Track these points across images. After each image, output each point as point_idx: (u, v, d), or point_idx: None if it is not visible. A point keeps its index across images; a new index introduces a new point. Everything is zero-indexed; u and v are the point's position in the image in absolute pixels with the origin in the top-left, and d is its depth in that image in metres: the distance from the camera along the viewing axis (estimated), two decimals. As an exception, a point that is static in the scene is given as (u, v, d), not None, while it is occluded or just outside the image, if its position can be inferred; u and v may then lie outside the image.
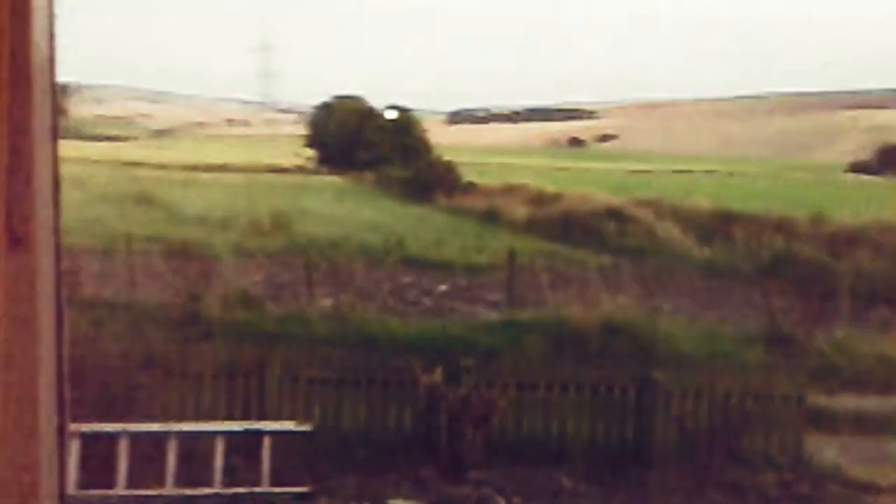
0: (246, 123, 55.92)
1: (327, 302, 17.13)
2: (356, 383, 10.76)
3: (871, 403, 12.65)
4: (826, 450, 10.49)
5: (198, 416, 10.18)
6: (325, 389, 10.81)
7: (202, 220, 24.28)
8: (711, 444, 9.51)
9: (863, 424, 11.91)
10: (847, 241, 24.14)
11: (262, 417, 10.31)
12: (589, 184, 38.80)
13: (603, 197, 31.15)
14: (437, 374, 9.61)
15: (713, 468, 9.40)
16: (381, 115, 45.27)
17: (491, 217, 29.72)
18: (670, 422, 9.92)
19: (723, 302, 18.01)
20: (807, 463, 9.97)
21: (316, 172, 43.32)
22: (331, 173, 40.98)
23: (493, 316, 16.53)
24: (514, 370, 10.75)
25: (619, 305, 15.87)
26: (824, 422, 11.11)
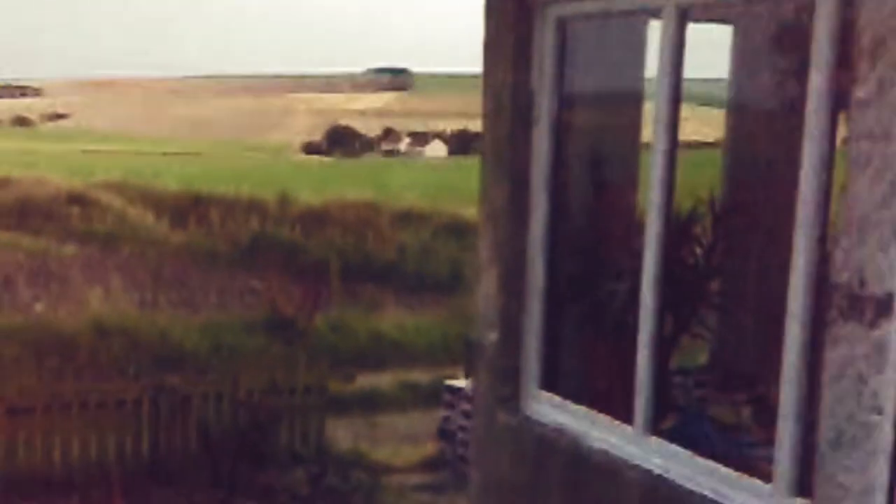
0: None
1: None
2: None
3: (372, 381, 12.91)
4: (344, 436, 10.39)
5: None
6: None
7: None
8: (238, 447, 8.85)
9: (369, 404, 12.08)
10: (315, 220, 24.84)
11: None
12: (42, 166, 35.89)
13: (61, 180, 29.02)
14: None
15: (241, 473, 8.76)
16: None
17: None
18: (191, 429, 9.05)
19: (216, 289, 17.38)
20: (330, 453, 9.75)
21: None
22: None
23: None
24: (1, 391, 9.07)
25: (107, 302, 14.49)
26: (338, 406, 11.01)
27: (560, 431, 4.18)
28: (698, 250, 4.29)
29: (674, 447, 3.69)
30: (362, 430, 10.80)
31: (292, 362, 10.57)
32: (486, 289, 4.66)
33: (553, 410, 4.32)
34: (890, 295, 2.63)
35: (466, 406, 9.25)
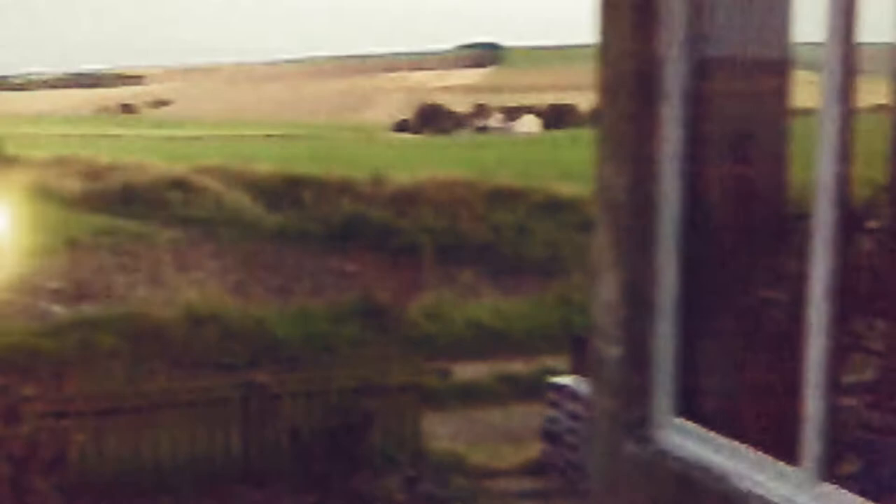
0: None
1: None
2: None
3: (469, 372, 12.31)
4: (441, 434, 9.80)
5: None
6: None
7: None
8: (330, 449, 8.34)
9: (467, 397, 11.49)
10: (408, 200, 24.38)
11: None
12: (146, 152, 36.70)
13: (164, 166, 29.57)
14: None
15: (333, 477, 8.26)
16: None
17: (40, 193, 26.65)
18: (281, 430, 8.58)
19: (309, 272, 17.06)
20: (426, 456, 9.17)
21: None
22: None
23: (58, 311, 14.15)
24: (91, 390, 8.74)
25: (201, 289, 14.24)
26: (432, 399, 10.43)
27: (705, 469, 3.47)
28: (873, 246, 3.51)
29: (858, 499, 2.95)
30: (460, 427, 10.20)
31: (386, 356, 10.02)
32: (606, 296, 3.95)
33: (693, 443, 3.61)
34: None
35: (573, 406, 8.56)
